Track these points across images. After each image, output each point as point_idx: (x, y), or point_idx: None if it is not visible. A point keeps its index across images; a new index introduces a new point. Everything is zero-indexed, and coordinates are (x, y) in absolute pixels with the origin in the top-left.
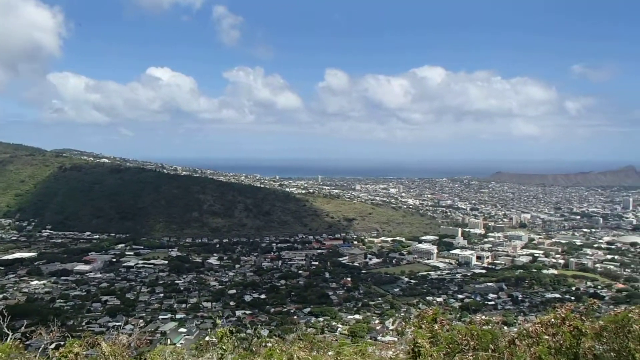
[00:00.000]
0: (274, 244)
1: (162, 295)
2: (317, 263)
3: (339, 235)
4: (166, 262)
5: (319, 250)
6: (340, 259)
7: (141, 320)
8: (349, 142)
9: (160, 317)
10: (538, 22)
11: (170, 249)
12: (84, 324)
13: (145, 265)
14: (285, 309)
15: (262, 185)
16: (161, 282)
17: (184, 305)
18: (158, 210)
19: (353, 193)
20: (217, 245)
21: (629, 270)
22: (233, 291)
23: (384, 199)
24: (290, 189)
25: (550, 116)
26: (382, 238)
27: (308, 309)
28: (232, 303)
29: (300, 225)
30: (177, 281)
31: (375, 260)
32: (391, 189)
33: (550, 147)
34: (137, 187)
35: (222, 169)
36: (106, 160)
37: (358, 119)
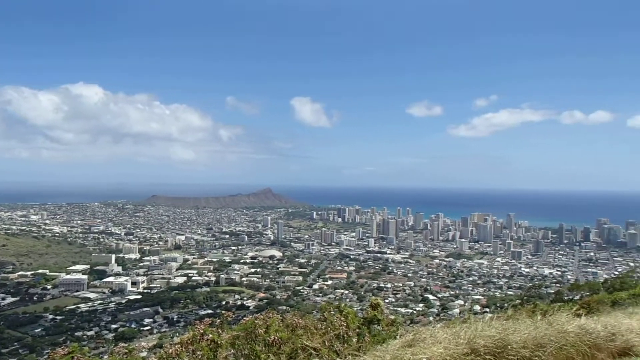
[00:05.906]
0: None
1: None
2: None
3: None
4: None
5: None
6: None
7: None
8: None
9: None
10: (196, 50)
11: None
12: None
13: None
14: None
15: None
16: None
17: None
18: None
19: None
20: None
21: (268, 280)
22: None
23: (23, 227)
24: None
25: (206, 142)
26: (21, 273)
27: None
28: None
29: None
30: None
31: (10, 299)
32: (32, 216)
33: (205, 171)
34: None
35: None
36: None
37: None
